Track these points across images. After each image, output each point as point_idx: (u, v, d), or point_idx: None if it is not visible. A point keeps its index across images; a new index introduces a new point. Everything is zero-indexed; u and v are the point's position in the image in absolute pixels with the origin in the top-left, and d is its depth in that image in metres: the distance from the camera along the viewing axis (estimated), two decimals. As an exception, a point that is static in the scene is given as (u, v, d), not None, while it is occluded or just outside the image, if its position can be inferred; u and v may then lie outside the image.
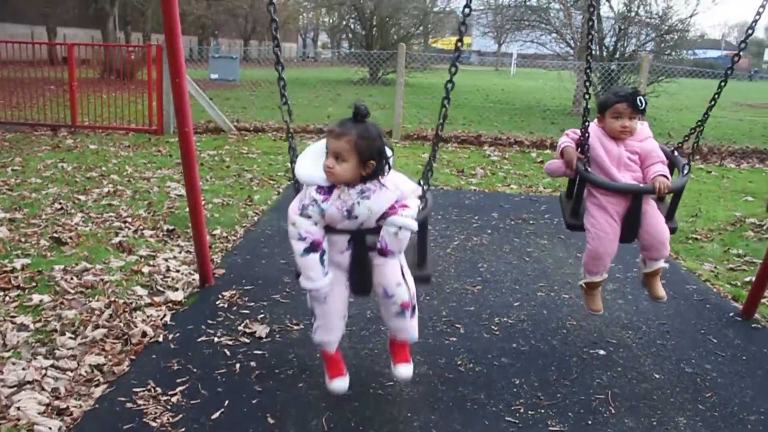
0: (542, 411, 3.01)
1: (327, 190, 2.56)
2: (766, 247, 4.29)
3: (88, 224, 5.54)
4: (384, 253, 2.61)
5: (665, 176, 3.31)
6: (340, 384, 2.85)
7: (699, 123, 3.61)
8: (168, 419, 2.83)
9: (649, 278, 3.63)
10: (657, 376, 3.37)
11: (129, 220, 5.72)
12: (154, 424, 2.79)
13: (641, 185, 3.34)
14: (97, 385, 3.10)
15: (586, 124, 3.34)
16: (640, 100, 3.31)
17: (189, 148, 3.96)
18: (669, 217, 3.54)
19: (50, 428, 2.71)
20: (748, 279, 4.85)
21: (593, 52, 16.22)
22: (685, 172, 3.46)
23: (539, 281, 4.64)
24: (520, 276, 4.73)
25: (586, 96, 3.37)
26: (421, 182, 2.74)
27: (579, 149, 3.45)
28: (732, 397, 3.21)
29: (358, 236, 2.63)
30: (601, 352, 3.61)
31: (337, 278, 2.70)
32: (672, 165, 3.55)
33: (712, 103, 3.55)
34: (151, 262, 4.70)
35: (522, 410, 3.01)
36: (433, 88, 19.13)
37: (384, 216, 2.56)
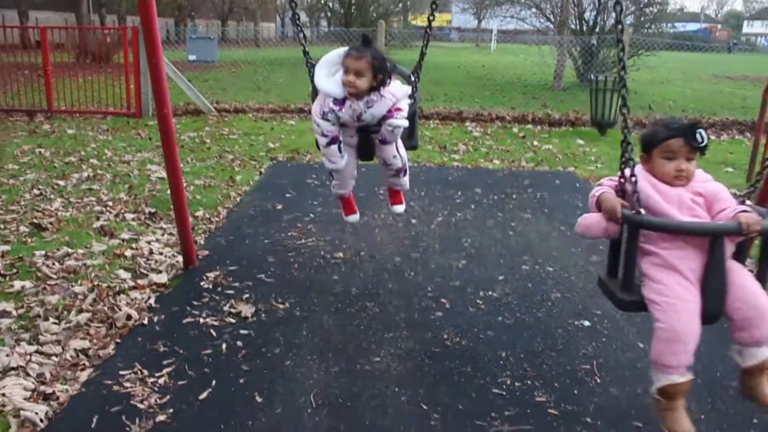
0: (528, 382, 3.04)
1: (341, 102, 3.37)
2: None
3: (69, 209, 5.47)
4: (384, 141, 3.57)
5: (747, 212, 2.33)
6: (354, 217, 4.07)
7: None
8: (155, 401, 2.82)
9: (752, 378, 2.42)
10: (641, 345, 3.41)
11: (110, 204, 5.66)
12: (141, 406, 2.78)
13: (723, 222, 2.34)
14: (82, 369, 3.08)
15: (628, 161, 2.48)
16: (701, 135, 2.41)
17: (168, 130, 3.91)
18: (762, 278, 2.47)
19: (37, 413, 2.69)
20: None
21: (574, 27, 16.14)
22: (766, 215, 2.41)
23: (523, 255, 4.66)
24: (505, 250, 4.75)
25: (626, 129, 2.51)
26: (413, 77, 3.70)
27: (622, 195, 2.50)
28: (715, 363, 3.25)
29: (364, 128, 3.54)
30: (586, 323, 3.64)
31: (348, 151, 3.62)
32: None
33: None
34: (133, 246, 4.66)
35: (509, 382, 3.03)
36: (413, 65, 19.05)
37: (384, 117, 3.42)
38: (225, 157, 7.75)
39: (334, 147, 3.51)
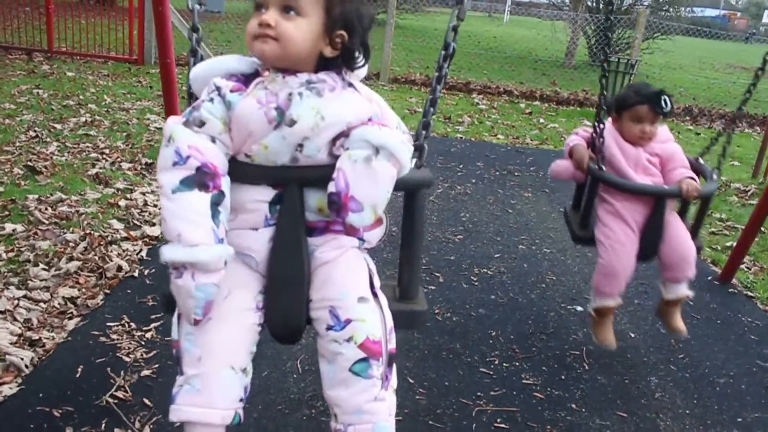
0: (517, 364, 3.02)
1: (243, 79, 1.58)
2: (750, 213, 4.29)
3: (64, 154, 5.40)
4: (340, 206, 1.49)
5: (692, 179, 2.83)
6: None
7: (729, 126, 3.25)
8: (142, 354, 2.80)
9: (668, 307, 3.05)
10: (632, 335, 3.40)
11: (106, 151, 5.58)
12: (127, 359, 2.76)
13: (666, 187, 2.85)
14: (70, 318, 3.05)
15: (600, 122, 2.86)
16: (665, 101, 2.81)
17: (170, 81, 3.83)
18: (694, 232, 3.03)
19: (22, 359, 2.67)
20: (728, 244, 4.87)
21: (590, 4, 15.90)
22: (714, 178, 3.04)
23: (521, 234, 4.62)
24: (502, 228, 4.71)
25: (601, 96, 2.87)
26: (419, 138, 1.78)
27: (591, 149, 2.97)
28: (704, 359, 3.25)
29: (290, 188, 1.54)
30: (579, 308, 3.62)
31: (240, 282, 1.61)
32: (697, 173, 3.01)
33: (747, 95, 3.26)
34: (128, 196, 4.61)
35: (497, 362, 3.02)
36: (424, 32, 18.80)
37: (340, 136, 1.55)
38: (227, 111, 7.64)
39: (201, 196, 1.47)
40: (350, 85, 1.61)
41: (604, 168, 2.85)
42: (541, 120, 9.30)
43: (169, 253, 1.49)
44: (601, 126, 2.84)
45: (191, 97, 1.69)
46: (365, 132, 1.51)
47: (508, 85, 11.64)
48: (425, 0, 20.46)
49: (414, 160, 1.71)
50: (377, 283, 1.69)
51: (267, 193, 1.57)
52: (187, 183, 1.46)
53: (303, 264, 1.58)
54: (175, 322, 1.63)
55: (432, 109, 1.78)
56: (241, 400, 1.62)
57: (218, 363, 1.55)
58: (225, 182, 1.51)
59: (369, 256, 1.77)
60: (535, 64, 15.52)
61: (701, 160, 3.17)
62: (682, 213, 3.05)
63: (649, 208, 2.86)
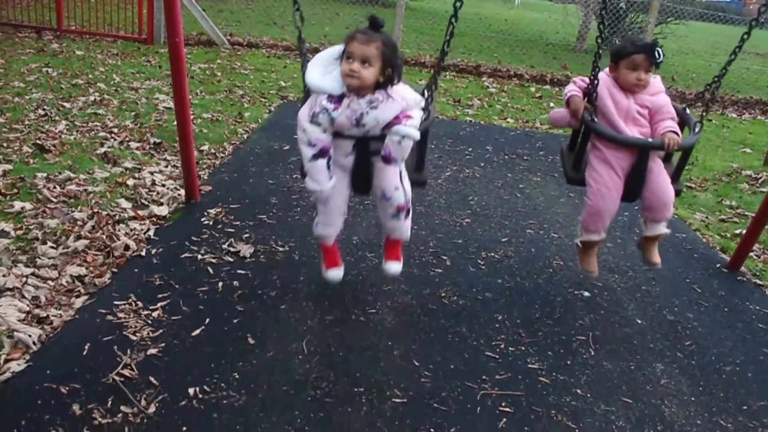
0: (522, 348, 3.02)
1: (337, 99, 2.72)
2: (760, 201, 4.25)
3: (73, 132, 5.40)
4: (387, 159, 2.79)
5: (675, 132, 3.08)
6: (335, 273, 3.13)
7: (715, 79, 3.38)
8: (148, 333, 2.81)
9: (647, 242, 3.42)
10: (639, 321, 3.38)
11: (115, 130, 5.58)
12: (134, 338, 2.77)
13: (649, 140, 3.11)
14: (77, 296, 3.07)
15: (596, 71, 3.08)
16: (658, 52, 3.07)
17: (179, 60, 3.81)
18: (675, 178, 3.33)
19: (30, 336, 2.69)
20: (738, 231, 4.84)
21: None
22: (696, 130, 3.25)
23: (529, 218, 4.60)
24: (510, 212, 4.69)
25: (599, 40, 3.11)
26: (425, 93, 2.90)
27: (586, 98, 3.21)
28: (710, 346, 3.23)
29: (362, 142, 2.83)
30: (586, 293, 3.61)
31: (340, 178, 2.90)
32: (683, 123, 3.30)
33: (732, 57, 3.30)
34: (136, 175, 4.61)
35: (503, 346, 3.01)
36: (435, 13, 18.63)
37: (389, 125, 2.74)
38: (235, 92, 7.62)
39: (322, 162, 2.78)
40: (390, 96, 2.73)
41: (596, 119, 3.16)
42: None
43: (311, 186, 2.85)
44: (596, 81, 3.11)
45: (307, 91, 2.85)
46: (399, 129, 2.72)
47: (518, 69, 11.53)
48: None
49: (423, 117, 2.84)
50: (404, 175, 3.01)
51: (351, 143, 2.84)
52: (316, 156, 2.78)
53: (369, 166, 2.90)
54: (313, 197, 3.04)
55: (434, 87, 2.93)
56: (342, 224, 3.13)
57: (335, 212, 3.02)
58: (331, 152, 2.82)
59: (403, 165, 3.00)
60: (546, 47, 15.35)
61: (688, 111, 3.44)
62: (667, 159, 3.37)
63: (634, 156, 3.15)
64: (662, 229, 3.35)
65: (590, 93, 3.17)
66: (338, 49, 2.75)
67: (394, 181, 2.95)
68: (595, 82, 3.11)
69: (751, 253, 4.28)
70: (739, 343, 3.30)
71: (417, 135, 2.74)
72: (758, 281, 4.08)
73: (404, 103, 2.75)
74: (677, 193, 3.30)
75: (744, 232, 4.29)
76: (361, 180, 2.95)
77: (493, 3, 33.71)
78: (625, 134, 3.13)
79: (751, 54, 20.92)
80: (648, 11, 11.99)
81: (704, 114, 3.38)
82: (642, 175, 3.17)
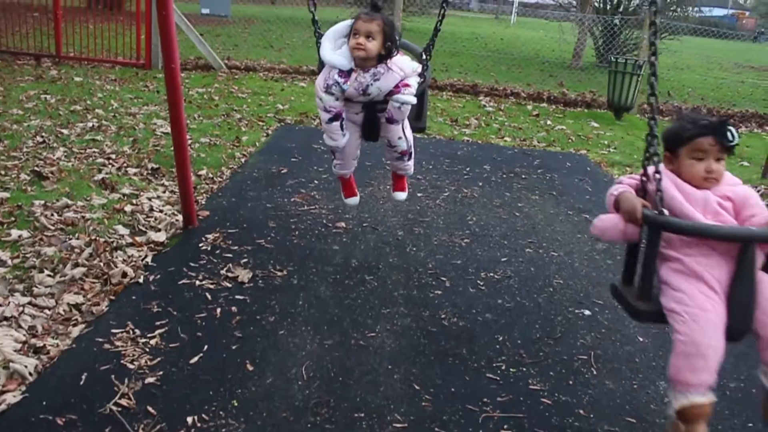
0: (524, 369, 2.99)
1: (346, 74, 3.25)
2: None
3: (71, 159, 5.41)
4: (390, 121, 3.42)
5: None
6: (354, 200, 4.02)
7: None
8: (146, 362, 2.79)
9: None
10: (641, 339, 3.36)
11: (113, 156, 5.58)
12: (131, 366, 2.75)
13: (755, 229, 2.17)
14: (75, 325, 3.05)
15: (653, 157, 2.29)
16: (732, 133, 2.25)
17: (175, 85, 3.83)
18: None
19: (26, 366, 2.66)
20: None
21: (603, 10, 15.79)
22: None
23: (528, 237, 4.59)
24: (509, 231, 4.67)
25: (652, 119, 2.32)
26: (423, 55, 3.59)
27: (643, 196, 2.33)
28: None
29: (369, 105, 3.40)
30: (587, 312, 3.58)
31: (352, 130, 3.52)
32: None
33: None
34: (134, 201, 4.60)
35: (504, 367, 2.99)
36: (428, 33, 18.75)
37: (391, 93, 3.30)
38: (232, 115, 7.65)
39: (336, 124, 3.41)
40: (390, 69, 3.24)
41: (665, 212, 2.21)
42: (549, 122, 9.25)
43: (328, 142, 3.51)
44: (656, 159, 2.29)
45: (321, 63, 3.36)
46: (398, 97, 3.28)
47: (515, 87, 11.59)
48: (432, 2, 20.41)
49: (418, 81, 3.39)
50: (407, 126, 3.61)
51: (360, 106, 3.42)
52: (331, 119, 3.38)
53: (376, 122, 3.48)
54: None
55: (431, 49, 3.66)
56: (355, 164, 3.83)
57: (350, 157, 3.71)
58: (344, 114, 3.40)
59: (406, 120, 3.57)
60: (543, 65, 15.46)
61: None
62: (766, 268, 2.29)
63: (731, 262, 2.17)
64: None
65: (644, 186, 2.34)
66: (345, 24, 3.29)
67: (398, 133, 3.58)
68: (656, 158, 2.29)
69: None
70: (742, 360, 3.26)
71: (414, 101, 3.32)
72: (760, 296, 4.05)
73: (402, 73, 3.28)
74: None
75: None
76: (370, 132, 3.55)
77: (489, 22, 33.98)
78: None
79: (746, 68, 21.05)
80: (642, 27, 12.05)
81: None
82: (750, 288, 2.15)
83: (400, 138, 3.61)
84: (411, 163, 3.84)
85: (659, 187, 2.24)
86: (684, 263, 2.22)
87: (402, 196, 4.01)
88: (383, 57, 3.23)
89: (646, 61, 10.72)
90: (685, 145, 2.30)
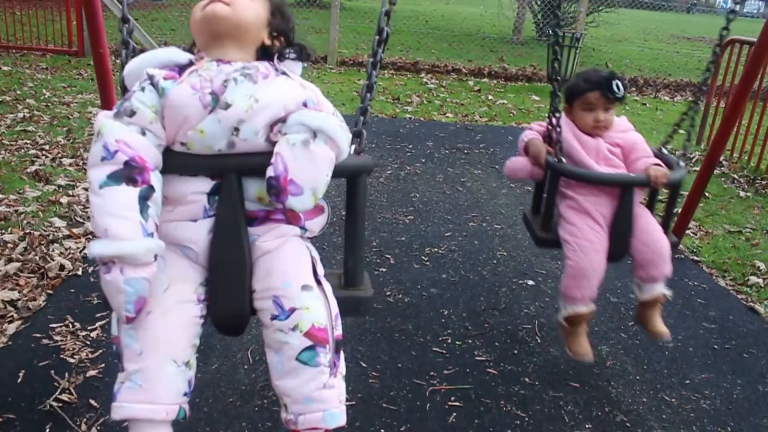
0: (469, 341, 3.03)
1: (177, 69, 1.62)
2: (693, 180, 4.36)
3: (1, 152, 5.20)
4: (279, 190, 1.50)
5: (659, 165, 2.61)
6: None
7: (691, 109, 3.09)
8: (87, 355, 2.73)
9: (647, 310, 2.77)
10: (582, 305, 3.43)
11: (46, 147, 5.40)
12: (72, 360, 2.68)
13: (632, 174, 2.61)
14: (10, 322, 2.95)
15: (555, 104, 2.63)
16: (617, 86, 2.62)
17: (105, 71, 3.68)
18: (665, 227, 2.78)
19: (-41, 367, 2.57)
20: (675, 211, 4.95)
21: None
22: (681, 165, 2.77)
23: (472, 211, 4.63)
24: (453, 206, 4.71)
25: (555, 79, 2.64)
26: (359, 111, 1.87)
27: (547, 142, 2.76)
28: (652, 324, 3.30)
29: (228, 177, 1.55)
30: (530, 282, 3.65)
31: (179, 275, 1.59)
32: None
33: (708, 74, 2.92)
34: (70, 192, 4.47)
35: (450, 340, 3.02)
36: (372, 12, 18.61)
37: (279, 127, 1.58)
38: (171, 101, 7.46)
39: (129, 191, 1.47)
40: (283, 73, 1.68)
41: (563, 160, 2.64)
42: (490, 97, 9.33)
43: (96, 248, 1.48)
44: (557, 115, 2.64)
45: (125, 91, 1.68)
46: (302, 116, 1.55)
47: (456, 64, 11.64)
48: (372, -20, 20.26)
49: (353, 147, 1.78)
50: (321, 270, 1.71)
51: (205, 184, 1.58)
52: (115, 177, 1.46)
53: (244, 254, 1.58)
54: (115, 318, 1.60)
55: (369, 95, 1.87)
56: (185, 394, 1.60)
57: (160, 357, 1.52)
58: (155, 176, 1.51)
59: (311, 245, 1.79)
60: (483, 41, 15.52)
61: (665, 150, 2.96)
62: (650, 207, 2.81)
63: (615, 200, 2.62)
64: (660, 288, 2.73)
65: (550, 133, 2.72)
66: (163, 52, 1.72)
67: (300, 275, 1.61)
68: (557, 114, 2.64)
69: (687, 231, 4.40)
70: (680, 320, 3.38)
71: (342, 139, 1.60)
72: (696, 258, 4.20)
73: (310, 93, 1.66)
74: (672, 246, 2.78)
75: (679, 211, 4.40)
76: (228, 281, 1.59)
77: (429, 0, 33.92)
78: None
79: (681, 39, 21.58)
80: (579, 0, 12.22)
81: (686, 149, 3.10)
82: (628, 222, 2.62)
83: (306, 288, 1.60)
84: (338, 383, 1.65)
85: (559, 138, 2.64)
86: (577, 201, 2.66)
87: None
88: (268, 52, 1.74)
89: (583, 34, 10.91)
90: (577, 99, 2.70)
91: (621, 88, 2.62)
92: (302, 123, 1.54)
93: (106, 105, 3.75)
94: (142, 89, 1.54)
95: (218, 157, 1.55)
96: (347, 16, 16.47)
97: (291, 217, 1.65)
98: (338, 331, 1.63)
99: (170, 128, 1.54)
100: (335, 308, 1.64)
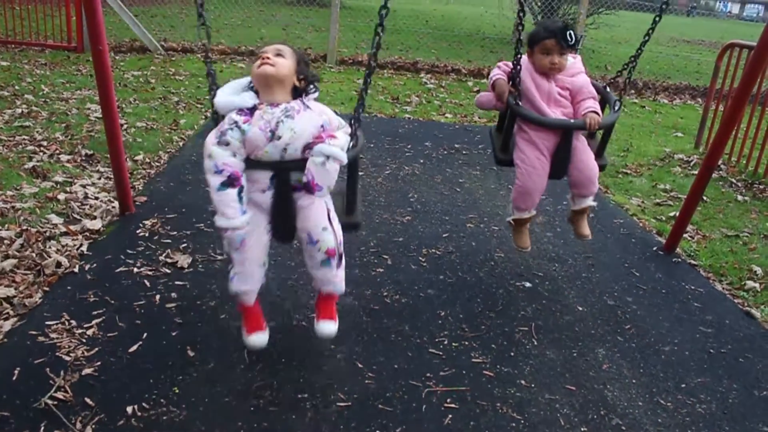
0: (466, 343, 3.03)
1: (248, 112, 2.50)
2: (691, 184, 4.38)
3: (-1, 147, 5.20)
4: (311, 188, 2.47)
5: (596, 112, 3.24)
6: (259, 339, 2.68)
7: (632, 58, 3.44)
8: (83, 353, 2.72)
9: (576, 216, 3.58)
10: (580, 308, 3.44)
11: (44, 143, 5.39)
12: (67, 358, 2.68)
13: (571, 120, 3.27)
14: (6, 319, 2.95)
15: (518, 56, 3.21)
16: (570, 35, 3.19)
17: (104, 68, 3.70)
18: (599, 153, 3.49)
19: (-46, 364, 2.57)
20: (672, 214, 4.97)
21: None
22: (616, 108, 3.40)
23: (469, 212, 4.63)
24: (451, 207, 4.71)
25: (519, 27, 3.20)
26: (353, 116, 2.63)
27: (510, 82, 3.33)
28: (649, 328, 3.31)
29: (281, 172, 2.52)
30: (527, 284, 3.65)
31: (257, 221, 2.56)
32: (603, 101, 3.50)
33: (646, 38, 3.35)
34: (67, 189, 4.46)
35: (446, 342, 3.02)
36: (371, 11, 18.59)
37: (310, 146, 2.49)
38: (170, 98, 7.46)
39: (232, 192, 2.44)
40: (307, 107, 2.56)
41: (520, 102, 3.30)
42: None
43: (219, 222, 2.49)
44: (518, 66, 3.24)
45: (216, 114, 2.63)
46: (321, 148, 2.45)
47: (456, 64, 11.62)
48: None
49: (350, 143, 2.59)
50: (333, 216, 2.67)
51: (268, 174, 2.55)
52: (224, 184, 2.45)
53: (291, 206, 2.59)
54: (227, 244, 2.60)
55: (361, 110, 2.64)
56: (264, 275, 2.70)
57: (252, 263, 2.60)
58: (243, 179, 2.49)
59: (329, 198, 2.69)
60: (483, 41, 15.51)
61: (608, 89, 3.58)
62: (591, 136, 3.50)
63: (559, 136, 3.30)
64: (588, 202, 3.51)
65: (514, 77, 3.29)
66: (246, 79, 2.64)
67: (321, 221, 2.58)
68: (518, 66, 3.24)
69: (685, 235, 4.41)
70: (676, 324, 3.38)
71: (343, 157, 2.45)
72: (693, 262, 4.20)
73: (325, 117, 2.57)
74: (602, 167, 3.50)
75: (677, 214, 4.41)
76: (282, 221, 2.59)
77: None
78: (548, 116, 3.27)
79: (680, 42, 21.59)
80: (579, 1, 12.22)
81: (622, 93, 3.52)
82: (567, 154, 3.33)
83: (325, 229, 2.58)
84: (341, 272, 2.71)
85: (519, 77, 3.27)
86: (529, 134, 3.34)
87: (331, 328, 2.71)
88: (298, 92, 2.59)
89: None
90: (537, 44, 3.25)
91: (573, 37, 3.19)
92: (321, 152, 2.45)
93: (106, 100, 3.77)
94: (232, 129, 2.45)
95: (276, 162, 2.52)
96: (347, 15, 16.45)
97: (313, 188, 2.50)
98: (341, 249, 2.68)
99: (249, 149, 2.48)
100: (340, 236, 2.66)
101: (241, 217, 2.47)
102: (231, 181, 2.44)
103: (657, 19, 3.37)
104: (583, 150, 3.38)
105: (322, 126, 2.53)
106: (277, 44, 2.62)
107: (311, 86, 2.64)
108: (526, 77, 3.29)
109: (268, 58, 2.51)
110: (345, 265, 2.75)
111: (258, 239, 2.58)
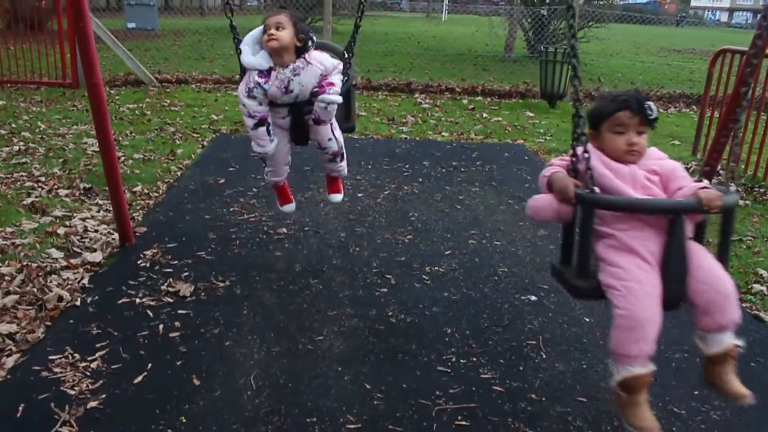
0: (474, 359, 3.00)
1: (266, 74, 3.25)
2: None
3: (-3, 184, 5.20)
4: (317, 122, 3.40)
5: (708, 188, 2.22)
6: (290, 207, 3.95)
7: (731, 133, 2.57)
8: (87, 386, 2.69)
9: (717, 366, 2.29)
10: (587, 319, 3.41)
11: (42, 179, 5.39)
12: (72, 392, 2.64)
13: (682, 200, 2.22)
14: (8, 355, 2.91)
15: (579, 127, 2.33)
16: (650, 107, 2.32)
17: (99, 101, 3.71)
18: (722, 257, 2.33)
19: (-43, 403, 2.54)
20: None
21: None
22: (731, 190, 2.32)
23: (471, 229, 4.61)
24: (452, 224, 4.69)
25: (577, 100, 2.35)
26: (346, 54, 3.57)
27: (574, 176, 2.34)
28: (659, 336, 3.26)
29: (295, 107, 3.38)
30: (533, 297, 3.62)
31: (280, 135, 3.49)
32: None
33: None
34: (67, 223, 4.44)
35: (454, 359, 2.99)
36: (364, 36, 18.75)
37: (314, 94, 3.30)
38: (166, 129, 7.48)
39: (263, 129, 3.37)
40: (309, 63, 3.27)
41: (596, 191, 2.24)
42: (485, 114, 9.36)
43: (256, 149, 3.47)
44: (583, 139, 2.32)
45: (242, 69, 3.35)
46: (324, 97, 3.27)
47: (449, 83, 11.68)
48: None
49: (342, 79, 3.39)
50: (336, 127, 3.57)
51: (286, 108, 3.40)
52: (256, 125, 3.35)
53: (304, 125, 3.46)
54: (258, 147, 3.49)
55: (352, 50, 3.64)
56: (288, 170, 3.78)
57: (280, 163, 3.67)
58: (269, 118, 3.38)
59: (335, 122, 3.57)
60: (476, 59, 15.63)
61: (705, 181, 2.57)
62: (699, 237, 2.39)
63: (662, 233, 2.22)
64: (730, 339, 2.26)
65: (575, 166, 2.34)
66: (261, 29, 3.28)
67: (327, 134, 3.53)
68: (582, 138, 2.32)
69: (687, 242, 4.37)
70: (685, 331, 3.33)
71: (339, 99, 3.31)
72: (697, 268, 4.17)
73: (323, 67, 3.29)
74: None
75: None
76: (298, 135, 3.52)
77: (420, 21, 34.19)
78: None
79: (671, 51, 21.74)
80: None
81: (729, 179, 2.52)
82: (682, 258, 2.20)
83: (330, 140, 3.56)
84: (344, 164, 3.80)
85: (588, 165, 2.27)
86: (618, 239, 2.25)
87: (338, 198, 3.99)
88: (300, 50, 3.26)
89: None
90: (606, 120, 2.36)
91: (654, 108, 2.33)
92: (323, 100, 3.28)
93: (102, 133, 3.77)
94: (257, 87, 3.25)
95: (291, 104, 3.37)
96: (338, 40, 16.56)
97: (320, 122, 3.41)
98: (342, 150, 3.68)
99: (270, 99, 3.30)
100: (341, 140, 3.64)
101: (271, 145, 3.44)
102: (261, 122, 3.35)
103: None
104: (703, 254, 2.27)
105: (321, 74, 3.29)
106: (277, 16, 3.21)
107: (309, 42, 3.27)
108: (596, 163, 2.31)
109: (272, 34, 3.16)
110: (346, 161, 3.80)
111: (282, 148, 3.54)
